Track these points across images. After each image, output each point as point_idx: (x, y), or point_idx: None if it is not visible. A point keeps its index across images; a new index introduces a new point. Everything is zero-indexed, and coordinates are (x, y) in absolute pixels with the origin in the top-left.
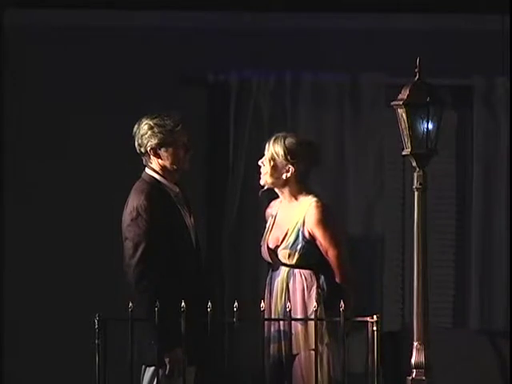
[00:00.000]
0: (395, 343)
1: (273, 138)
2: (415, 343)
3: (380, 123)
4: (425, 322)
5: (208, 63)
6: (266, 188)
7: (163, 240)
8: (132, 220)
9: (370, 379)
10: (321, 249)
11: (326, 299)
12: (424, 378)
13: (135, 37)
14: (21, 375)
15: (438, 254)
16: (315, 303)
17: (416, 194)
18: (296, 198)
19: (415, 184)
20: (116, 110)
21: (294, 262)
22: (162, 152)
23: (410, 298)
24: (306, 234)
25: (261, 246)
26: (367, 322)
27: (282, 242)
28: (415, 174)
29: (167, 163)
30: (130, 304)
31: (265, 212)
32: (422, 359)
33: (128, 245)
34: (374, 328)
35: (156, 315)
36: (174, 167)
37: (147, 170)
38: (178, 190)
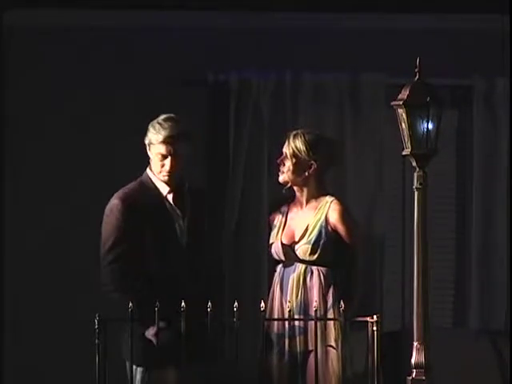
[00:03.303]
0: (395, 343)
1: (292, 135)
2: (415, 343)
3: (380, 123)
4: (425, 322)
5: (208, 63)
6: (287, 186)
7: (137, 238)
8: (106, 216)
9: (370, 379)
10: (342, 244)
11: (341, 297)
12: (424, 377)
13: (135, 37)
14: (21, 375)
15: (438, 254)
16: (315, 303)
17: (416, 193)
18: (315, 198)
19: (415, 184)
20: (116, 110)
21: (314, 257)
22: (150, 153)
23: (410, 298)
24: (329, 230)
25: (270, 244)
26: (367, 321)
27: (301, 238)
28: (415, 174)
29: (152, 164)
30: (130, 304)
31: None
32: (422, 359)
33: (102, 240)
34: (374, 328)
35: (156, 316)
36: (156, 171)
37: (148, 168)
38: (167, 190)
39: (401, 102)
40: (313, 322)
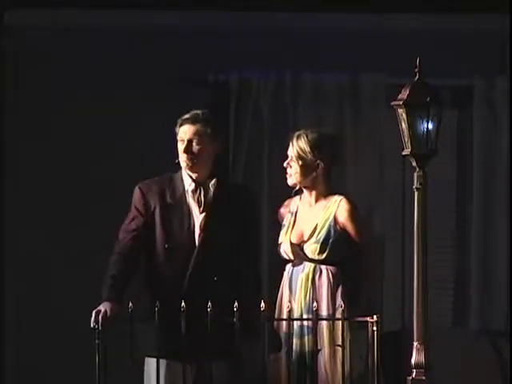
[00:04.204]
0: (395, 343)
1: (295, 136)
2: (415, 343)
3: (380, 123)
4: (425, 322)
5: (208, 63)
6: (296, 189)
7: (148, 225)
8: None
9: (370, 379)
10: (351, 243)
11: (350, 296)
12: (424, 377)
13: (135, 37)
14: (21, 375)
15: (438, 254)
16: (315, 303)
17: (416, 193)
18: (324, 197)
19: (415, 184)
20: (116, 110)
21: (323, 257)
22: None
23: (410, 298)
24: (338, 229)
25: (279, 244)
26: (367, 321)
27: (309, 237)
28: (415, 174)
29: None
30: (130, 304)
31: (278, 211)
32: (422, 359)
33: None
34: (374, 328)
35: (156, 315)
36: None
37: None
38: (189, 182)
39: (401, 102)
40: (321, 322)
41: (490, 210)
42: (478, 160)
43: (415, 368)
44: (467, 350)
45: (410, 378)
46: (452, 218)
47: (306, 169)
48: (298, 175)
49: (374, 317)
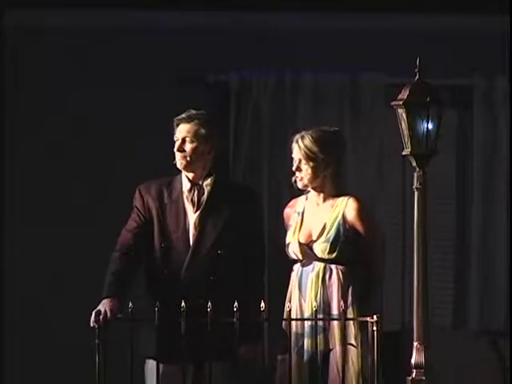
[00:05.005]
0: (395, 343)
1: (298, 138)
2: (415, 343)
3: (380, 123)
4: (425, 322)
5: (208, 63)
6: (307, 190)
7: (146, 226)
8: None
9: (370, 379)
10: (360, 242)
11: (360, 295)
12: (424, 377)
13: (135, 37)
14: (21, 375)
15: (438, 254)
16: (315, 302)
17: (416, 193)
18: (332, 196)
19: (415, 184)
20: (116, 110)
21: (333, 256)
22: None
23: (410, 298)
24: (347, 228)
25: (287, 244)
26: (367, 321)
27: (318, 236)
28: (415, 174)
29: None
30: (130, 304)
31: (283, 211)
32: (422, 359)
33: None
34: (374, 328)
35: (156, 315)
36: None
37: None
38: (186, 184)
39: (401, 102)
40: (332, 322)
41: (489, 210)
42: (478, 160)
43: (415, 368)
44: (467, 350)
45: (410, 378)
46: (452, 218)
47: (317, 169)
48: (309, 177)
49: (374, 317)
